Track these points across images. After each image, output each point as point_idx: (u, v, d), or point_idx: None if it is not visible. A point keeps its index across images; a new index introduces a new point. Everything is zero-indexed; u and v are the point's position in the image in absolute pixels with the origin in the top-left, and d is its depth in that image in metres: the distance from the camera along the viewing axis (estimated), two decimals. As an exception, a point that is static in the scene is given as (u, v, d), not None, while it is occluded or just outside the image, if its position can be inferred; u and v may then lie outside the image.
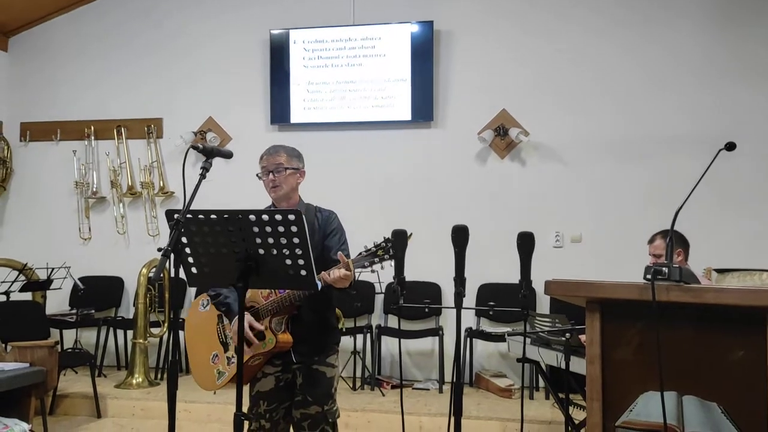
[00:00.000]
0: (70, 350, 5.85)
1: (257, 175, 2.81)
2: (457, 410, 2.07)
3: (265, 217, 2.16)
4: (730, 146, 2.25)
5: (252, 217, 2.16)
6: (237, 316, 2.34)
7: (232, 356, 2.70)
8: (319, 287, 2.58)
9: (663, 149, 5.50)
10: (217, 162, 6.41)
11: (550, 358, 3.62)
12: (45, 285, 5.63)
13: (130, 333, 5.64)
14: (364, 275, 4.57)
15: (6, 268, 5.77)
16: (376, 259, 2.44)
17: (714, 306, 1.85)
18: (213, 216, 2.20)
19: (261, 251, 2.21)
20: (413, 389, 5.40)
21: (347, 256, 2.57)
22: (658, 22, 5.58)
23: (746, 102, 5.42)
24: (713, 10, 5.50)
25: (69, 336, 6.08)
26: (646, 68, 5.58)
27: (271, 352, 2.63)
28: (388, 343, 5.73)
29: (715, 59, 5.48)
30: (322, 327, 2.78)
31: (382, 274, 3.10)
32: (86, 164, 6.42)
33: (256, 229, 2.18)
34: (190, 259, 2.32)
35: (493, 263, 5.29)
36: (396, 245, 2.22)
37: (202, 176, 2.29)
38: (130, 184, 6.33)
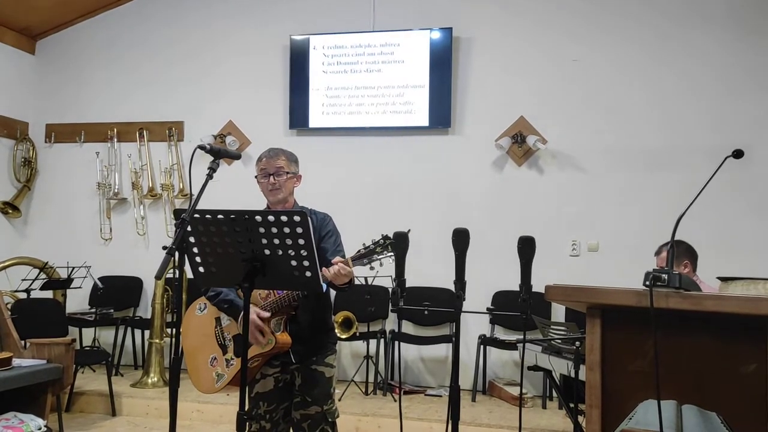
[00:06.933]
0: (87, 348, 5.94)
1: (255, 177, 2.82)
2: (455, 415, 2.06)
3: (270, 218, 2.18)
4: (738, 154, 2.22)
5: (258, 217, 2.18)
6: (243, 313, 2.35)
7: (231, 358, 2.71)
8: (324, 289, 2.60)
9: (682, 158, 5.43)
10: (238, 165, 6.42)
11: (561, 366, 3.59)
12: (65, 284, 5.73)
13: (147, 333, 5.71)
14: (378, 280, 4.64)
15: (28, 266, 5.88)
16: (374, 256, 2.46)
17: (716, 314, 1.82)
18: (220, 216, 2.22)
19: (267, 252, 2.23)
20: (426, 395, 5.39)
21: (343, 258, 2.58)
22: (683, 29, 5.52)
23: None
24: (739, 16, 5.42)
25: (88, 334, 6.18)
26: (666, 76, 5.53)
27: (271, 353, 2.64)
28: (402, 349, 5.72)
29: (740, 67, 5.41)
30: (320, 327, 2.79)
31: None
32: (108, 166, 6.53)
33: (262, 230, 2.19)
34: (198, 259, 2.34)
35: (508, 271, 5.24)
36: (397, 247, 2.23)
37: (209, 176, 2.32)
38: (150, 186, 6.42)
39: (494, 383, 5.41)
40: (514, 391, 5.17)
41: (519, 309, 2.14)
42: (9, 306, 4.87)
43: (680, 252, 3.79)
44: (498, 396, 5.30)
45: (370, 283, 4.80)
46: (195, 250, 2.31)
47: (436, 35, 5.86)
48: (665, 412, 1.80)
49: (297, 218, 2.17)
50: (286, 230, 2.18)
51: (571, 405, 3.66)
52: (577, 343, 3.31)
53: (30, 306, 5.18)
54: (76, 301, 6.21)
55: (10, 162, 6.57)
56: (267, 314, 2.62)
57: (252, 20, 6.34)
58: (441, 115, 5.85)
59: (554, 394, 5.12)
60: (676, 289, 1.81)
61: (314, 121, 6.09)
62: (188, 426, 4.78)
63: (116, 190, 6.50)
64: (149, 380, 5.38)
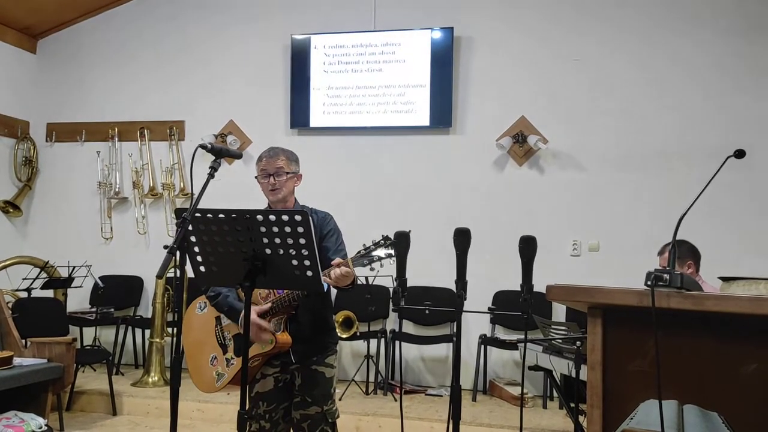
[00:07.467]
0: (88, 347, 5.93)
1: (255, 177, 2.81)
2: (455, 415, 2.06)
3: (272, 217, 2.17)
4: (740, 153, 2.22)
5: (259, 217, 2.17)
6: (242, 314, 2.34)
7: (231, 358, 2.71)
8: (325, 288, 2.59)
9: (683, 158, 5.43)
10: (239, 164, 6.42)
11: (561, 366, 3.59)
12: (66, 283, 5.73)
13: (148, 332, 5.71)
14: (379, 280, 4.64)
15: (29, 265, 5.88)
16: (374, 257, 2.45)
17: (717, 314, 1.82)
18: (221, 215, 2.21)
19: (268, 251, 2.22)
20: (426, 395, 5.39)
21: (345, 257, 2.57)
22: (678, 34, 5.52)
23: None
24: (745, 16, 5.41)
25: (89, 334, 6.18)
26: (667, 77, 5.53)
27: (271, 353, 2.64)
28: (403, 348, 5.72)
29: (733, 70, 5.41)
30: (320, 327, 2.78)
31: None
32: (109, 165, 6.54)
33: (263, 229, 2.19)
34: (199, 258, 2.33)
35: (509, 270, 5.25)
36: (398, 247, 2.22)
37: (210, 176, 2.31)
38: (151, 185, 6.42)
39: (495, 383, 5.41)
40: (515, 390, 5.16)
41: (520, 309, 2.13)
42: (10, 305, 4.88)
43: (683, 252, 3.77)
44: (499, 396, 5.30)
45: (370, 282, 4.80)
46: (196, 249, 2.31)
47: (437, 35, 5.86)
48: (666, 412, 1.80)
49: (298, 218, 2.16)
50: (287, 230, 2.17)
51: (572, 405, 3.66)
52: (577, 342, 3.31)
53: (31, 305, 5.18)
54: (77, 300, 6.21)
55: (11, 161, 6.57)
56: (267, 306, 2.61)
57: (253, 20, 6.34)
58: (442, 115, 5.84)
59: (555, 393, 5.11)
60: (677, 289, 1.80)
61: (315, 121, 6.08)
62: (189, 425, 4.78)
63: (117, 190, 6.51)
64: (150, 379, 5.38)
